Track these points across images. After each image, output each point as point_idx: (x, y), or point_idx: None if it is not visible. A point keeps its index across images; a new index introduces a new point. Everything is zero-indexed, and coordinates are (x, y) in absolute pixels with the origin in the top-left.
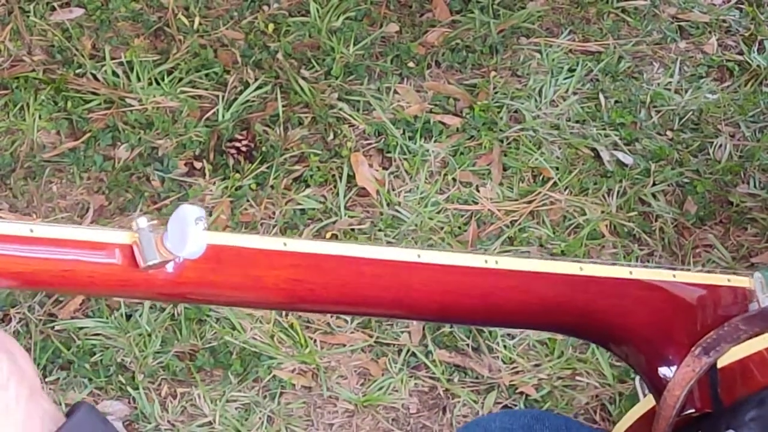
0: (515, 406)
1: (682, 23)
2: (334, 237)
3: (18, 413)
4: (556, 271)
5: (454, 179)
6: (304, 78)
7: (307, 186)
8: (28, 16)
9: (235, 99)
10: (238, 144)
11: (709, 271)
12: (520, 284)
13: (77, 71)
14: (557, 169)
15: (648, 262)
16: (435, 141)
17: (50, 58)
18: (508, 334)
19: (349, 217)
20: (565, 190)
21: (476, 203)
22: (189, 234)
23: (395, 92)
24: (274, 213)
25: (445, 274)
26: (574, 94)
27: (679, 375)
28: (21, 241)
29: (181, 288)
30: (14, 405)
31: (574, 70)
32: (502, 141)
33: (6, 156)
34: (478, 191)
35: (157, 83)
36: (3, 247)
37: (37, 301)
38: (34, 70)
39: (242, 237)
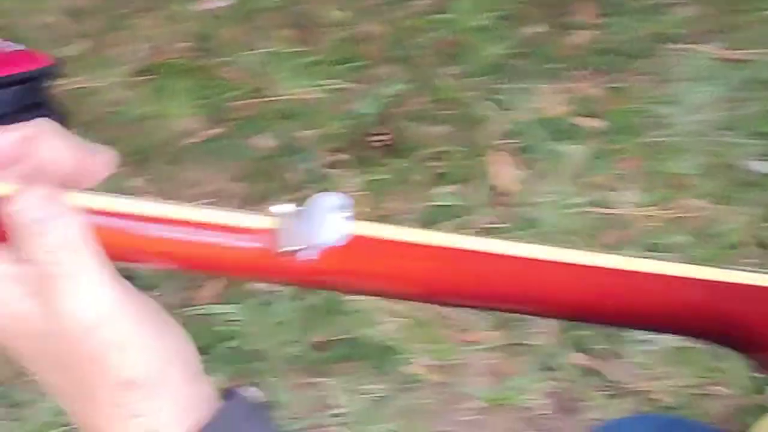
0: (648, 412)
1: None
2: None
3: (179, 394)
4: (697, 275)
5: (593, 182)
6: (447, 75)
7: (447, 182)
8: (177, 4)
9: (378, 93)
10: (380, 138)
11: None
12: (660, 287)
13: (223, 59)
14: (699, 176)
15: None
16: (576, 143)
17: (197, 45)
18: (644, 340)
19: (486, 215)
20: (706, 197)
21: (615, 207)
22: (331, 221)
23: (538, 92)
24: (413, 208)
25: (584, 274)
26: (719, 101)
27: None
28: (166, 222)
29: (320, 275)
30: (175, 386)
31: (719, 78)
32: (643, 146)
33: (149, 140)
34: (618, 195)
35: (301, 74)
36: (148, 227)
37: (176, 285)
38: (181, 57)
39: (384, 227)
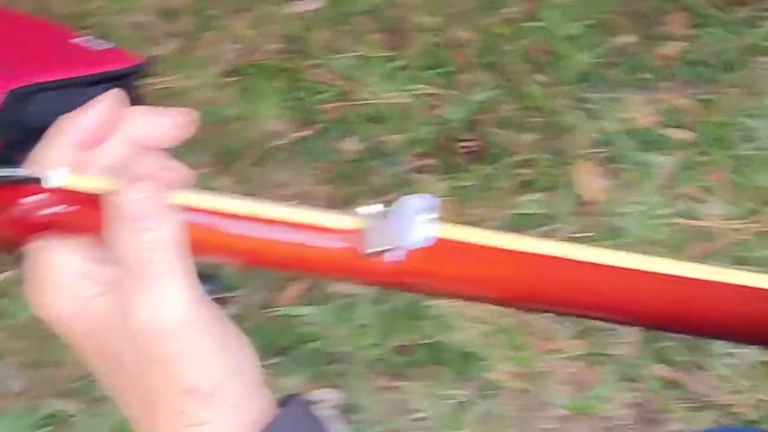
0: (730, 425)
1: None
2: None
3: (240, 407)
4: None
5: (680, 193)
6: (536, 82)
7: (532, 190)
8: (268, 5)
9: (467, 99)
10: (466, 144)
11: None
12: (746, 298)
13: (312, 62)
14: None
15: None
16: (664, 154)
17: (287, 47)
18: (727, 353)
19: (572, 224)
20: None
21: (702, 219)
22: (416, 224)
23: (627, 102)
24: (497, 215)
25: (669, 283)
26: None
27: None
28: (252, 220)
29: (404, 277)
30: (236, 399)
31: None
32: (732, 158)
33: (237, 141)
34: (705, 207)
35: (390, 79)
36: (234, 225)
37: (257, 286)
38: (270, 58)
39: (469, 231)
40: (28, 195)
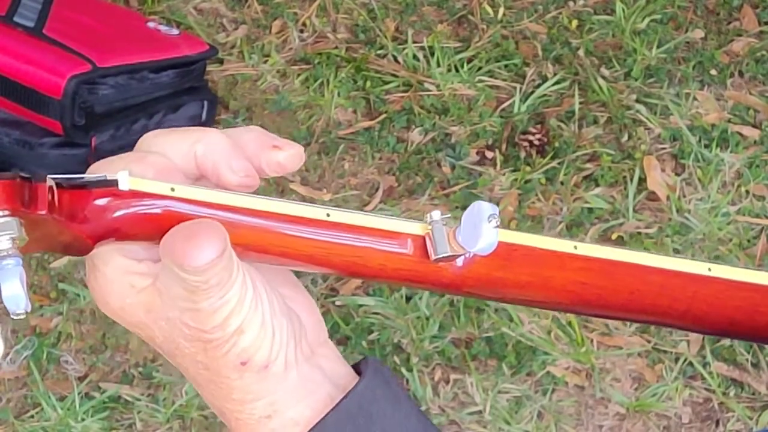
0: None
1: None
2: (620, 239)
3: (290, 380)
4: None
5: (747, 191)
6: (603, 77)
7: (597, 185)
8: None
9: (532, 92)
10: (531, 137)
11: None
12: None
13: (378, 52)
14: None
15: None
16: (731, 151)
17: (353, 36)
18: None
19: (636, 220)
20: None
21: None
22: (482, 230)
23: (694, 99)
24: (561, 209)
25: (735, 290)
26: None
27: None
28: (317, 225)
29: (468, 282)
30: (282, 372)
31: None
32: None
33: (302, 130)
34: None
35: (456, 70)
36: (299, 229)
37: (320, 276)
38: (336, 48)
39: (533, 237)
40: (100, 198)
